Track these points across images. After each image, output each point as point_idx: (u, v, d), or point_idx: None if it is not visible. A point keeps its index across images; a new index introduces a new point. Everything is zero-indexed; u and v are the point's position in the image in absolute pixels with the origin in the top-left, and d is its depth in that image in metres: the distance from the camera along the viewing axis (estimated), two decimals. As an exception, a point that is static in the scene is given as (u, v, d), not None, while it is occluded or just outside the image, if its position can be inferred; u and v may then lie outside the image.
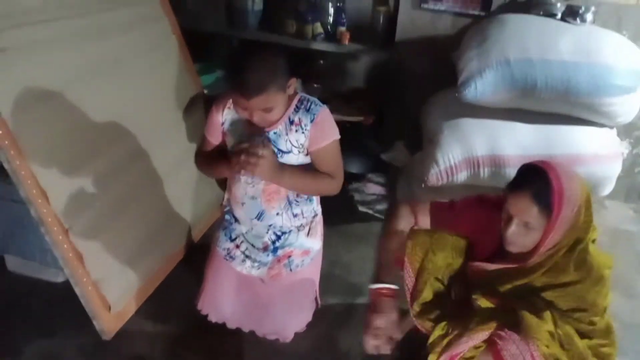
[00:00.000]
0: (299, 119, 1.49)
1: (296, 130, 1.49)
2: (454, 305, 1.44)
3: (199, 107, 2.48)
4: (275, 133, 1.49)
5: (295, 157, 1.52)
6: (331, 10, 2.88)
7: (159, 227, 2.14)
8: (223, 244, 1.73)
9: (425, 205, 1.58)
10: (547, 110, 2.15)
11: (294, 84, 1.47)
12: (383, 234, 1.58)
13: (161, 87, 2.28)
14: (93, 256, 1.80)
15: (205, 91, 2.60)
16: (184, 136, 2.34)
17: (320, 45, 2.83)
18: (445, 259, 1.46)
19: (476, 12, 2.55)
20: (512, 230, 1.30)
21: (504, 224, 1.33)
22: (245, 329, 1.81)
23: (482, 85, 2.09)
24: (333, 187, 1.58)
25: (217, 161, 1.57)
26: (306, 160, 1.56)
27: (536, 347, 1.24)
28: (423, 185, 2.24)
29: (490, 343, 1.31)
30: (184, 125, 2.36)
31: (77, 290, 1.78)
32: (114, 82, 1.99)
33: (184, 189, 2.33)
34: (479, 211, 1.48)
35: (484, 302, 1.38)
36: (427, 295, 1.45)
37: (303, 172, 1.52)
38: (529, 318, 1.29)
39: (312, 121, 1.49)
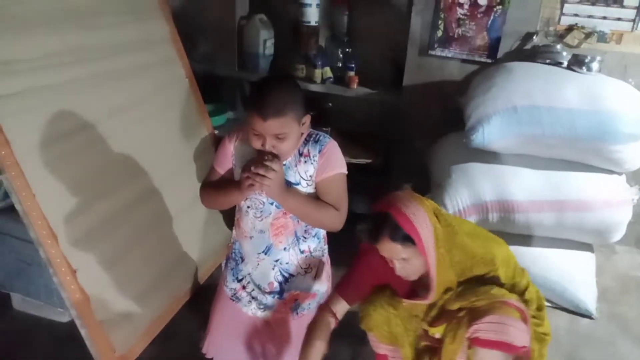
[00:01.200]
0: (308, 150, 1.51)
1: (305, 162, 1.51)
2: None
3: (209, 148, 2.52)
4: (284, 165, 1.50)
5: (304, 190, 1.53)
6: (340, 56, 2.95)
7: (166, 268, 2.14)
8: (230, 285, 1.72)
9: (333, 294, 1.60)
10: (555, 156, 2.17)
11: (308, 121, 1.49)
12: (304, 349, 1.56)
13: (172, 129, 2.32)
14: (100, 298, 1.80)
15: (216, 132, 2.65)
16: (193, 177, 2.37)
17: (329, 89, 2.88)
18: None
19: (483, 59, 2.60)
20: (397, 268, 1.45)
21: (390, 264, 1.46)
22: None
23: (489, 131, 2.11)
24: (337, 219, 1.56)
25: (225, 188, 1.56)
26: (314, 193, 1.57)
27: None
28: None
29: None
30: (193, 166, 2.39)
31: (82, 332, 1.76)
32: (126, 123, 2.03)
33: (192, 231, 2.34)
34: (373, 258, 1.52)
35: (435, 330, 1.49)
36: (409, 354, 1.55)
37: (308, 198, 1.52)
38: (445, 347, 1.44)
39: (319, 152, 1.50)
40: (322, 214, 1.54)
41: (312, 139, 1.53)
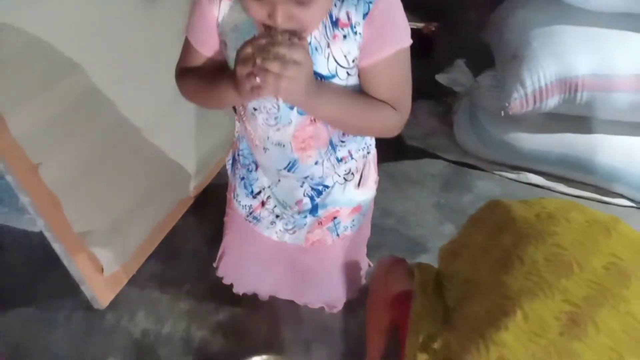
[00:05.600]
0: (347, 13, 0.87)
1: (344, 37, 0.88)
2: None
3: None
4: (309, 44, 0.92)
5: (344, 83, 0.94)
6: None
7: (161, 167, 1.66)
8: (243, 200, 1.22)
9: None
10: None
11: None
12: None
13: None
14: (75, 203, 1.34)
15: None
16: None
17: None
18: None
19: None
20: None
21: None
22: (282, 297, 1.37)
23: (594, -21, 1.55)
24: (394, 122, 0.98)
25: (213, 83, 0.94)
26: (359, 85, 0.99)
27: None
28: (502, 114, 1.75)
29: None
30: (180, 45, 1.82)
31: (55, 247, 1.34)
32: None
33: (188, 125, 1.80)
34: None
35: None
36: None
37: (350, 95, 0.94)
38: None
39: (366, 15, 0.87)
40: (373, 120, 0.96)
41: None
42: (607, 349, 0.75)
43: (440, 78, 2.11)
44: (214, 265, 1.34)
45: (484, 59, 2.02)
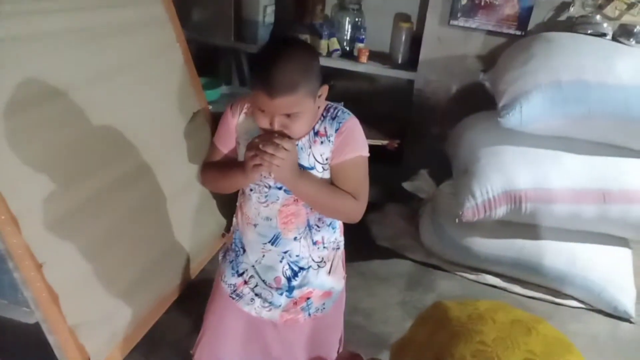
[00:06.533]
0: (325, 128, 1.24)
1: (321, 142, 1.24)
2: None
3: (202, 125, 2.21)
4: (297, 146, 1.22)
5: (320, 175, 1.26)
6: (348, 26, 2.65)
7: (151, 262, 1.83)
8: (229, 280, 1.43)
9: None
10: (601, 140, 1.91)
11: (325, 93, 1.21)
12: None
13: (161, 100, 2.01)
14: (71, 298, 1.50)
15: (210, 107, 2.34)
16: (184, 158, 2.06)
17: (336, 63, 2.59)
18: None
19: (512, 31, 2.33)
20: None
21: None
22: (255, 386, 1.50)
23: (528, 110, 1.84)
24: (355, 210, 1.29)
25: (228, 169, 1.29)
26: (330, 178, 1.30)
27: None
28: (457, 221, 1.97)
29: None
30: (185, 145, 2.08)
31: (50, 338, 1.47)
32: (107, 91, 1.72)
33: (181, 219, 2.03)
34: None
35: None
36: None
37: (323, 184, 1.26)
38: None
39: (337, 130, 1.23)
40: (338, 203, 1.27)
41: (329, 114, 1.25)
42: None
43: (406, 186, 2.36)
44: (192, 351, 1.49)
45: (447, 168, 2.28)
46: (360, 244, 2.23)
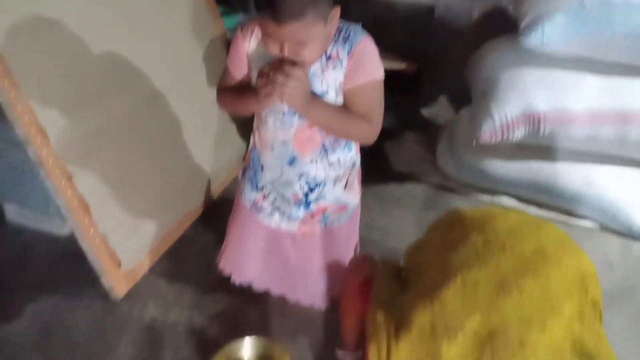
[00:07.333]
0: (337, 51, 1.21)
1: (334, 67, 1.22)
2: None
3: (220, 51, 2.22)
4: (309, 72, 1.22)
5: (333, 100, 1.26)
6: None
7: (176, 180, 1.91)
8: (249, 195, 1.50)
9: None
10: (623, 61, 1.86)
11: (337, 15, 1.17)
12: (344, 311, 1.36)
13: (179, 26, 2.02)
14: (101, 207, 1.59)
15: (228, 34, 2.34)
16: (204, 82, 2.09)
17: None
18: None
19: (537, -50, 2.24)
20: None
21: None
22: (274, 293, 1.58)
23: (550, 30, 1.80)
24: (368, 132, 1.31)
25: (242, 94, 1.31)
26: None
27: None
28: (474, 143, 1.98)
29: None
30: (204, 70, 2.11)
31: (82, 243, 1.57)
32: (130, 14, 1.75)
33: (203, 141, 2.09)
34: None
35: None
36: None
37: (337, 109, 1.27)
38: None
39: (349, 53, 1.21)
40: (352, 128, 1.29)
41: (341, 36, 1.22)
42: (527, 306, 0.97)
43: (425, 112, 2.36)
44: (217, 261, 1.57)
45: (466, 96, 2.27)
46: (377, 169, 2.27)
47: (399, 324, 1.04)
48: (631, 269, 1.87)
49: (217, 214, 1.96)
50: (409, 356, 1.01)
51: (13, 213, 1.93)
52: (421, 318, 1.00)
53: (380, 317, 1.08)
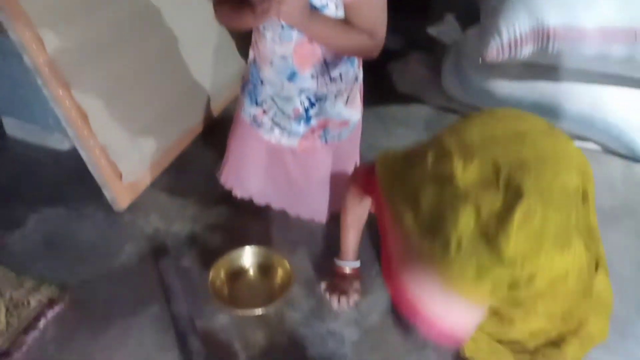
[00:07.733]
0: None
1: None
2: None
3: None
4: None
5: (334, 14, 1.21)
6: None
7: (175, 96, 1.89)
8: (248, 109, 1.48)
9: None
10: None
11: None
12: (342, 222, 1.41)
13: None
14: (100, 118, 1.58)
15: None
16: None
17: None
18: None
19: None
20: None
21: None
22: (275, 207, 1.60)
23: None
24: (371, 47, 1.27)
25: (239, 9, 1.26)
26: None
27: None
28: (480, 61, 1.93)
29: None
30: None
31: (82, 154, 1.57)
32: None
33: (204, 58, 2.05)
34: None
35: None
36: None
37: (336, 23, 1.22)
38: None
39: None
40: (353, 43, 1.24)
41: None
42: (542, 152, 1.00)
43: (431, 30, 2.29)
44: (218, 174, 1.58)
45: (474, 14, 2.19)
46: (380, 89, 2.23)
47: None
48: (633, 189, 1.87)
49: (217, 132, 1.94)
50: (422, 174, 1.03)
51: (13, 128, 1.92)
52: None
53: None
